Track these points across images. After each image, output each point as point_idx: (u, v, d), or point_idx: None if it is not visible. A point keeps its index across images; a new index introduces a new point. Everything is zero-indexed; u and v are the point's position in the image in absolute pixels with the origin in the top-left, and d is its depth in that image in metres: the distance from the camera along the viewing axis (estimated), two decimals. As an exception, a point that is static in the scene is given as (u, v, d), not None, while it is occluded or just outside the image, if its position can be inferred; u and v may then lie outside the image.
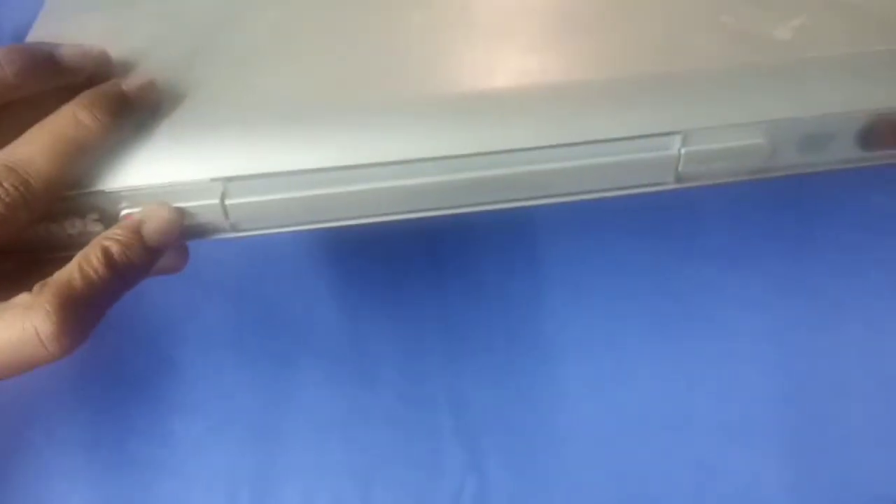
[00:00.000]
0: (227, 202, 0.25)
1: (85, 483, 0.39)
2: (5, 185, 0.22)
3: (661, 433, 0.38)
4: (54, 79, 0.25)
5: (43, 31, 0.30)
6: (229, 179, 0.25)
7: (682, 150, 0.26)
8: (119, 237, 0.24)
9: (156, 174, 0.25)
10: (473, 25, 0.29)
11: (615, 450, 0.38)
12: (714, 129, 0.26)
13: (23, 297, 0.22)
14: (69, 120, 0.24)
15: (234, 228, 0.26)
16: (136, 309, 0.41)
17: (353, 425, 0.39)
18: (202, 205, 0.26)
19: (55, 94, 0.25)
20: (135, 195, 0.25)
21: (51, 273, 0.23)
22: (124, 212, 0.25)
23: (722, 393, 0.39)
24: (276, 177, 0.25)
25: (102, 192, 0.25)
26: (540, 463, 0.38)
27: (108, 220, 0.26)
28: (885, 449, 0.37)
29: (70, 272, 0.23)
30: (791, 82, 0.27)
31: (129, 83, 0.26)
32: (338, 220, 0.27)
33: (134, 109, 0.26)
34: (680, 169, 0.26)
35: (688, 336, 0.40)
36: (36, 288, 0.22)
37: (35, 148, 0.23)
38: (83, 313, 0.22)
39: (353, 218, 0.27)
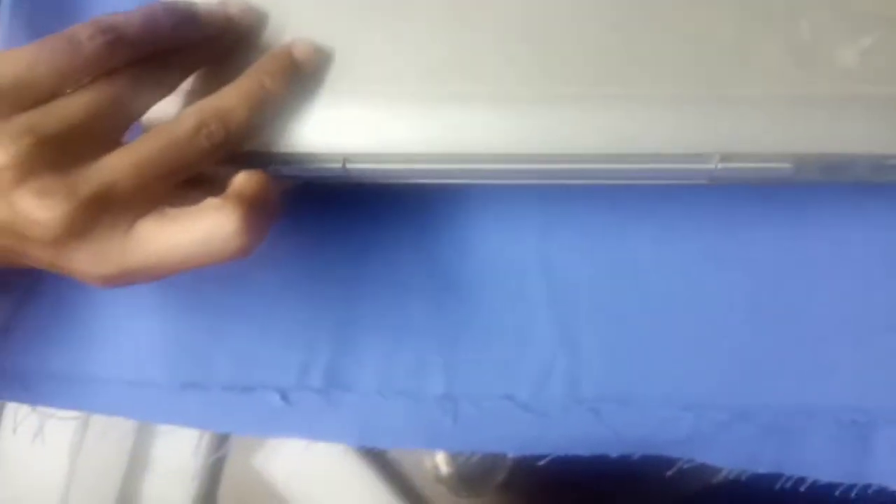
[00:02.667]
0: (349, 166, 0.31)
1: (155, 320, 0.37)
2: (213, 127, 0.27)
3: (780, 321, 0.35)
4: (202, 31, 0.30)
5: None
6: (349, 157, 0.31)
7: (719, 165, 0.30)
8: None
9: (289, 143, 0.31)
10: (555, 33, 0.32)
11: (725, 334, 0.35)
12: (747, 155, 0.30)
13: (212, 201, 0.27)
14: (258, 84, 0.29)
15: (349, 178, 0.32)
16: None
17: (437, 289, 0.37)
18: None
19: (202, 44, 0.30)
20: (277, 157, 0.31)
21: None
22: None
23: (846, 282, 0.35)
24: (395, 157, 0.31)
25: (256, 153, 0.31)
26: (637, 339, 0.36)
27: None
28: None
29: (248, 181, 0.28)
30: (829, 120, 0.30)
31: (299, 51, 0.30)
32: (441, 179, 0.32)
33: (302, 77, 0.30)
34: (714, 175, 0.30)
35: (812, 217, 0.36)
36: (222, 196, 0.27)
37: (234, 103, 0.28)
38: (261, 215, 0.27)
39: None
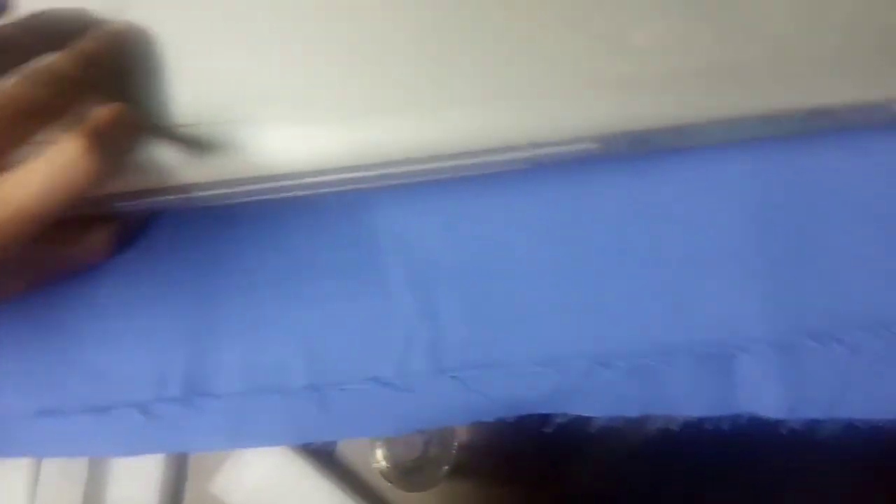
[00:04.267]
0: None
1: (4, 347, 0.36)
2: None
3: (632, 267, 0.36)
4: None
5: None
6: None
7: (535, 152, 0.33)
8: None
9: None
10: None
11: (582, 287, 0.36)
12: (558, 140, 0.33)
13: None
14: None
15: None
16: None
17: (289, 277, 0.36)
18: None
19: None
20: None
21: None
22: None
23: (694, 224, 0.36)
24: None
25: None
26: (497, 304, 0.36)
27: None
28: (868, 275, 0.35)
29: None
30: (629, 99, 0.32)
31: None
32: None
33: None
34: (534, 161, 0.34)
35: (656, 167, 0.36)
36: None
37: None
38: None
39: None
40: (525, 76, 0.33)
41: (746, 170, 0.36)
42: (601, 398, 0.36)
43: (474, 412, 0.36)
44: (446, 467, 0.49)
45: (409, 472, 0.48)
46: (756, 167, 0.36)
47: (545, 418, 0.37)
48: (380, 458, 0.48)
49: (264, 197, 0.34)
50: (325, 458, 0.50)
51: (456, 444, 0.49)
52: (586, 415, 0.36)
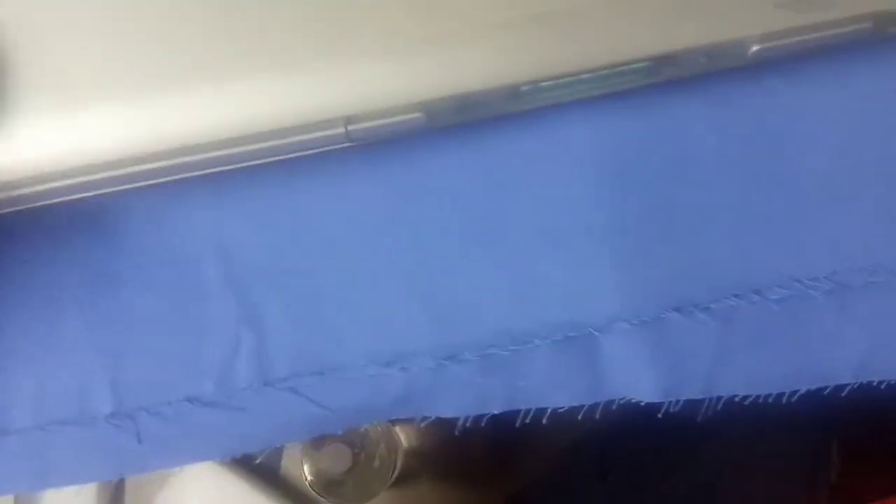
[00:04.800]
0: None
1: None
2: None
3: (472, 247, 0.32)
4: None
5: None
6: None
7: (349, 128, 0.28)
8: None
9: None
10: None
11: (419, 275, 0.32)
12: (375, 112, 0.28)
13: None
14: None
15: None
16: None
17: (93, 291, 0.32)
18: None
19: None
20: None
21: None
22: None
23: (535, 190, 0.32)
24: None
25: None
26: (327, 303, 0.32)
27: None
28: (729, 230, 0.32)
29: None
30: (452, 60, 0.28)
31: None
32: None
33: None
34: (352, 137, 0.29)
35: (492, 135, 0.32)
36: None
37: None
38: None
39: None
40: (332, 39, 0.29)
41: (591, 131, 0.32)
42: (457, 396, 0.32)
43: (316, 425, 0.32)
44: (392, 475, 0.46)
45: (340, 485, 0.44)
46: (601, 127, 0.32)
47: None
48: (307, 472, 0.44)
49: (45, 202, 0.29)
50: (269, 475, 0.47)
51: (401, 450, 0.47)
52: (445, 416, 0.33)
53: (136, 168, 0.29)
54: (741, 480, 0.58)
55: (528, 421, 0.33)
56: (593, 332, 0.32)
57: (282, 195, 0.32)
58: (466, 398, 0.32)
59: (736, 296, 0.31)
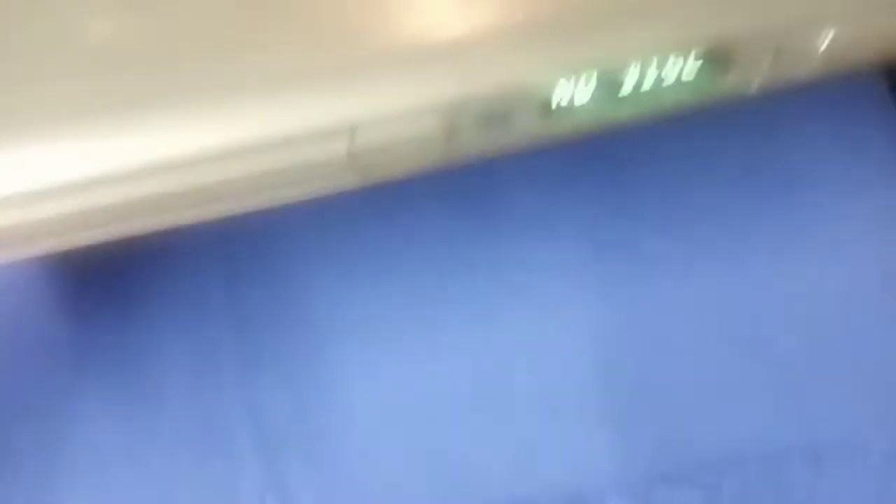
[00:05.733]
0: None
1: None
2: None
3: (478, 413, 0.35)
4: None
5: None
6: None
7: (354, 144, 0.24)
8: None
9: None
10: None
11: (430, 439, 0.35)
12: (384, 120, 0.24)
13: None
14: None
15: None
16: None
17: (139, 453, 0.35)
18: None
19: None
20: None
21: None
22: None
23: (540, 366, 0.36)
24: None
25: None
26: (344, 464, 0.35)
27: None
28: (713, 403, 0.35)
29: None
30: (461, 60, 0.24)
31: None
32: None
33: None
34: (359, 163, 0.24)
35: (500, 311, 0.37)
36: None
37: None
38: None
39: None
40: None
41: (587, 304, 0.36)
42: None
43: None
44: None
45: None
46: (593, 306, 0.36)
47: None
48: None
49: None
50: None
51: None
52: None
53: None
54: None
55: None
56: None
57: (317, 374, 0.36)
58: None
59: (718, 467, 0.34)
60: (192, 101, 0.23)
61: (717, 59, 0.25)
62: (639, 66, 0.25)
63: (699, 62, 0.25)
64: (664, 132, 0.38)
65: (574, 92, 0.25)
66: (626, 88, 0.25)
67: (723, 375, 0.35)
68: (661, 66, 0.25)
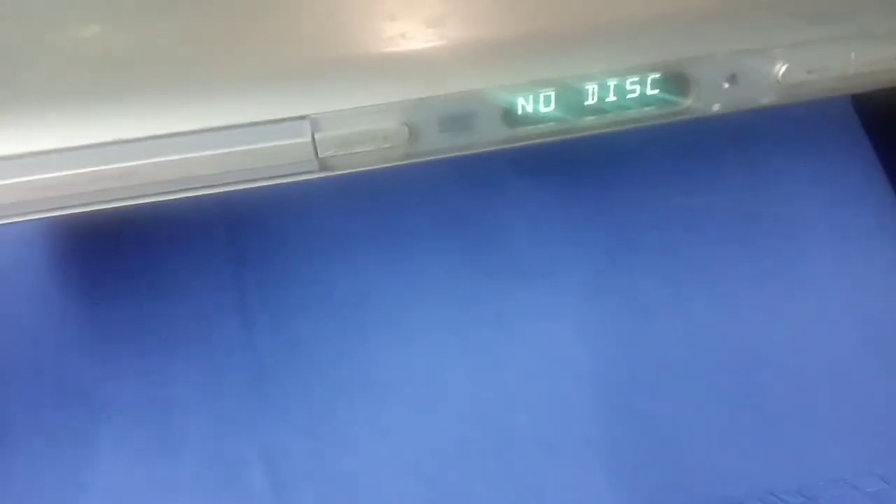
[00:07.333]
0: None
1: None
2: None
3: (482, 457, 0.36)
4: None
5: None
6: None
7: (316, 136, 0.25)
8: None
9: None
10: None
11: (439, 484, 0.36)
12: (346, 113, 0.25)
13: None
14: None
15: None
16: None
17: (156, 497, 0.36)
18: None
19: None
20: None
21: None
22: None
23: (541, 409, 0.37)
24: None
25: None
26: None
27: None
28: (710, 447, 0.36)
29: None
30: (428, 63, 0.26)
31: None
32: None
33: None
34: (321, 156, 0.26)
35: (502, 354, 0.38)
36: None
37: None
38: None
39: None
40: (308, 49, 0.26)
41: (587, 347, 0.38)
42: None
43: None
44: None
45: None
46: (594, 345, 0.38)
47: None
48: None
49: None
50: None
51: None
52: None
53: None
54: None
55: None
56: None
57: (336, 426, 0.37)
58: None
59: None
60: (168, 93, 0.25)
61: (674, 81, 0.26)
62: (596, 87, 0.26)
63: (657, 84, 0.26)
64: (659, 188, 0.42)
65: (536, 104, 0.27)
66: (589, 102, 0.27)
67: (718, 420, 0.36)
68: (619, 87, 0.26)
